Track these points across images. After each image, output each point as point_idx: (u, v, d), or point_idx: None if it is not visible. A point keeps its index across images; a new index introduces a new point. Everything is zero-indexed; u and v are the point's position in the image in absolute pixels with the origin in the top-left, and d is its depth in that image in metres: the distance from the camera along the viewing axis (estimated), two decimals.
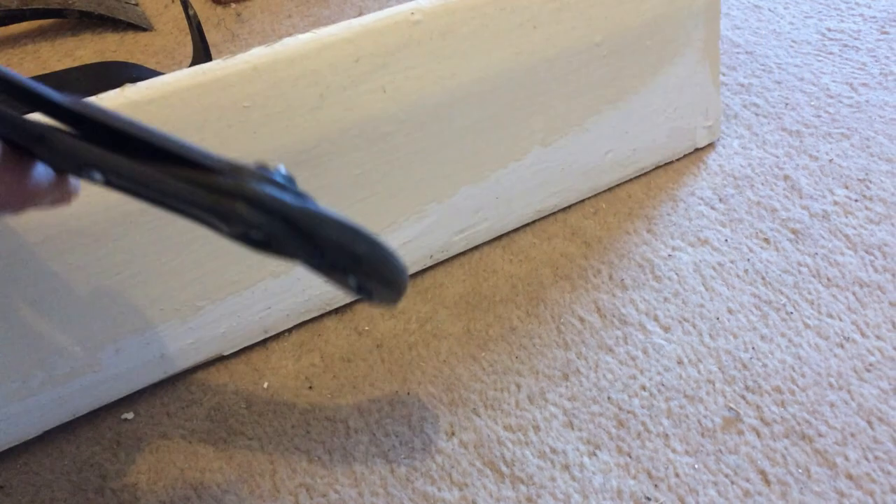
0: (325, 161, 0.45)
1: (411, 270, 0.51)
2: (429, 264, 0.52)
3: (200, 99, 0.41)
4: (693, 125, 0.59)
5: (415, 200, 0.50)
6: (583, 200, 0.57)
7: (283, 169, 0.27)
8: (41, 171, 0.28)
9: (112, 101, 0.39)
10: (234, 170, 0.26)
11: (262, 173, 0.26)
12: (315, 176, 0.45)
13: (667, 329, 0.48)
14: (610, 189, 0.58)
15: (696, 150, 0.61)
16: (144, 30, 0.76)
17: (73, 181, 0.30)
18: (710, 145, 0.61)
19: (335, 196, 0.47)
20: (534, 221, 0.55)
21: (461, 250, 0.53)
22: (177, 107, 0.40)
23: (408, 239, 0.50)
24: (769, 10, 0.77)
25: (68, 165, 0.27)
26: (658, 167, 0.59)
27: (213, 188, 0.26)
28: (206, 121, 0.41)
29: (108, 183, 0.26)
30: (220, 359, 0.47)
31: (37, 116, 0.27)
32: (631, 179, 0.59)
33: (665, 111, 0.57)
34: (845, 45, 0.71)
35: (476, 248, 0.54)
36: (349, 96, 0.44)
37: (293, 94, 0.43)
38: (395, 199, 0.49)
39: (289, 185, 0.27)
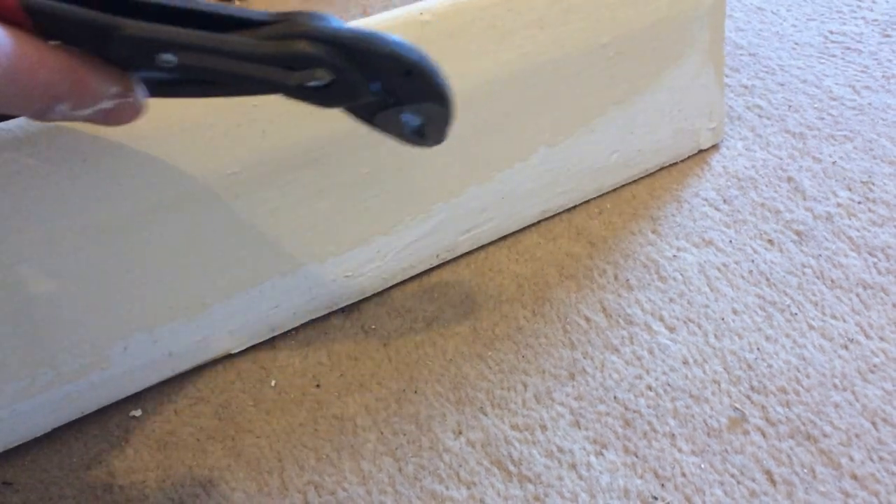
0: (333, 160, 0.45)
1: (418, 270, 0.52)
2: (435, 264, 0.52)
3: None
4: (697, 127, 0.60)
5: (422, 200, 0.50)
6: (588, 201, 0.57)
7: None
8: (101, 64, 0.27)
9: None
10: (285, 16, 0.28)
11: (310, 13, 0.28)
12: (324, 175, 0.45)
13: (672, 329, 0.48)
14: (614, 189, 0.58)
15: (700, 151, 0.61)
16: None
17: (139, 93, 0.29)
18: (714, 147, 0.62)
19: (343, 195, 0.47)
20: (539, 221, 0.56)
21: (467, 250, 0.53)
22: (187, 104, 0.40)
23: (415, 238, 0.50)
24: (772, 12, 0.77)
25: (140, 55, 0.27)
26: (662, 168, 0.60)
27: (274, 37, 0.28)
28: (216, 119, 0.41)
29: (181, 65, 0.27)
30: (228, 357, 0.47)
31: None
32: (635, 180, 0.59)
33: (670, 112, 0.58)
34: (848, 48, 0.72)
35: (482, 247, 0.54)
36: None
37: None
38: (402, 199, 0.49)
39: (329, 19, 0.29)
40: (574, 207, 0.57)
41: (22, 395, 0.42)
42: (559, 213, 0.56)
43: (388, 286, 0.51)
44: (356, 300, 0.50)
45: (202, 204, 0.43)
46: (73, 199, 0.39)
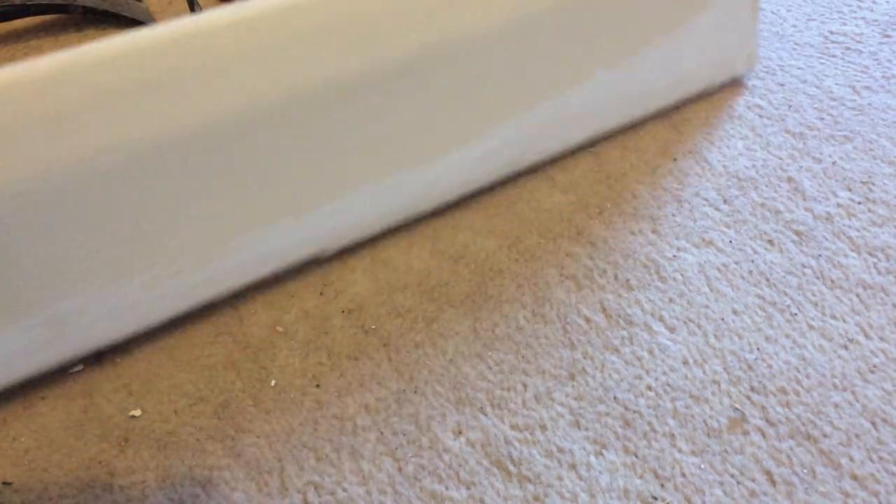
0: (428, 72, 0.49)
1: (491, 178, 0.56)
2: (507, 173, 0.57)
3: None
4: (734, 54, 0.63)
5: (498, 113, 0.54)
6: (593, 200, 0.57)
7: None
8: None
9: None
10: None
11: None
12: (420, 87, 0.49)
13: (672, 329, 0.48)
14: (644, 124, 0.58)
15: (706, 142, 0.61)
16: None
17: None
18: (715, 146, 0.62)
19: (425, 109, 0.50)
20: (539, 221, 0.55)
21: (534, 161, 0.58)
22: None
23: (489, 149, 0.55)
24: (772, 12, 0.77)
25: None
26: (699, 98, 0.63)
27: None
28: (334, 27, 0.45)
29: None
30: (228, 356, 0.47)
31: None
32: (639, 172, 0.59)
33: (712, 39, 0.61)
34: (848, 49, 0.72)
35: (482, 247, 0.54)
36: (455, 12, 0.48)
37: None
38: (481, 111, 0.53)
39: None
40: (574, 207, 0.57)
41: (149, 284, 0.45)
42: (560, 213, 0.56)
43: (466, 192, 0.55)
44: (440, 203, 0.54)
45: (311, 110, 0.46)
46: (189, 107, 0.42)
